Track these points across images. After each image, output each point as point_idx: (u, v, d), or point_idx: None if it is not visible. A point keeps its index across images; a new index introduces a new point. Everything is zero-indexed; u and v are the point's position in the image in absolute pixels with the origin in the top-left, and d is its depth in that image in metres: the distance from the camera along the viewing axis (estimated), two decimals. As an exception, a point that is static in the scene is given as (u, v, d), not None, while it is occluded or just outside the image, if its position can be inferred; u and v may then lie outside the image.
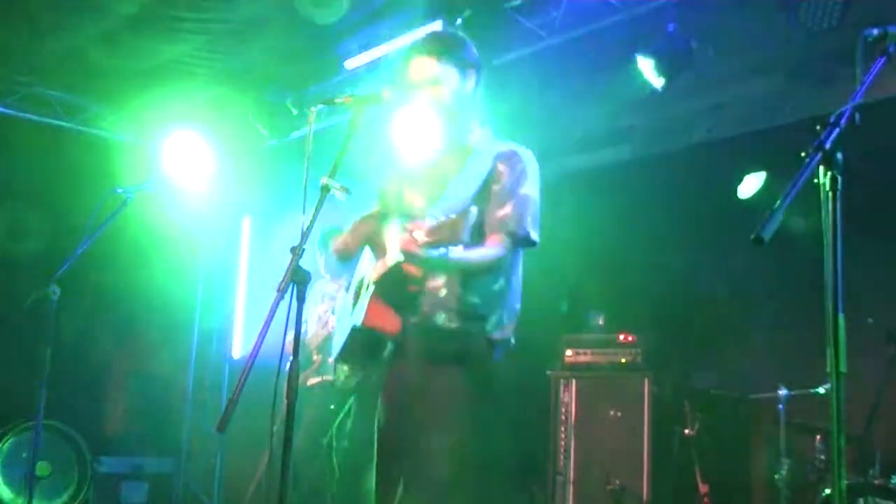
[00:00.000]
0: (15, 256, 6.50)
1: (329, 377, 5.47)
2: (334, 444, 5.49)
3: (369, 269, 2.94)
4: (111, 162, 7.01)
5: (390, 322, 2.75)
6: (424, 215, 2.68)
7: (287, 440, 2.46)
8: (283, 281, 2.42)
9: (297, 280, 2.45)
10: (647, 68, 4.94)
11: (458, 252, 2.49)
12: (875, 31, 2.14)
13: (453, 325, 2.70)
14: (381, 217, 2.92)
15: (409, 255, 2.48)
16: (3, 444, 6.21)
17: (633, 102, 5.22)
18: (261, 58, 6.17)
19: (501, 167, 2.73)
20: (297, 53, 6.12)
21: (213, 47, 6.02)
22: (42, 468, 6.13)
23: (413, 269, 2.68)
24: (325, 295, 5.76)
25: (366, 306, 2.78)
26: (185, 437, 7.27)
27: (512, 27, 5.39)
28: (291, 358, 2.51)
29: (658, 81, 4.93)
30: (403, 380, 2.78)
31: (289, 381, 2.47)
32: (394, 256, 2.54)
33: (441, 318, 2.71)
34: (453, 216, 2.38)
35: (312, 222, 2.52)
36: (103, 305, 6.77)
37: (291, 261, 2.44)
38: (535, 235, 2.71)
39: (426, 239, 2.40)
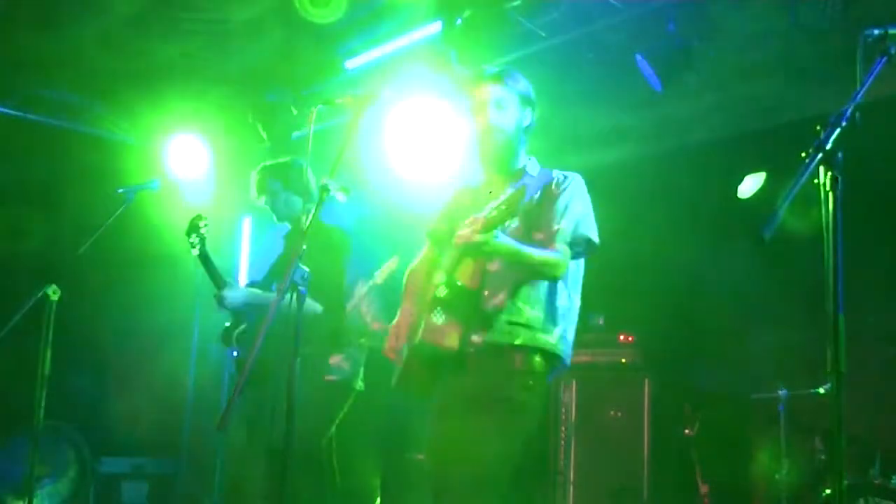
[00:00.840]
0: (15, 256, 6.51)
1: (331, 377, 5.47)
2: (334, 444, 5.49)
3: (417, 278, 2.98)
4: (111, 162, 7.01)
5: (449, 338, 2.73)
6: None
7: (287, 440, 2.46)
8: (283, 281, 2.43)
9: (298, 281, 2.46)
10: (648, 68, 4.94)
11: (517, 244, 2.63)
12: (875, 32, 2.14)
13: (515, 340, 2.75)
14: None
15: (468, 247, 2.54)
16: (4, 445, 6.21)
17: (633, 102, 5.22)
18: (261, 58, 6.17)
19: (554, 188, 2.87)
20: (297, 53, 6.12)
21: (214, 47, 6.02)
22: (42, 468, 6.13)
23: (471, 279, 2.72)
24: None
25: (424, 324, 2.77)
26: (185, 437, 7.27)
27: (512, 27, 5.39)
28: (292, 358, 2.51)
29: (658, 81, 4.93)
30: (452, 395, 2.81)
31: (289, 381, 2.48)
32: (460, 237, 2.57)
33: (502, 334, 2.74)
34: (509, 193, 2.44)
35: (313, 222, 2.52)
36: (104, 305, 6.77)
37: (292, 261, 2.45)
38: (596, 238, 2.90)
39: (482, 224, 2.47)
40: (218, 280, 4.01)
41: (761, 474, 4.88)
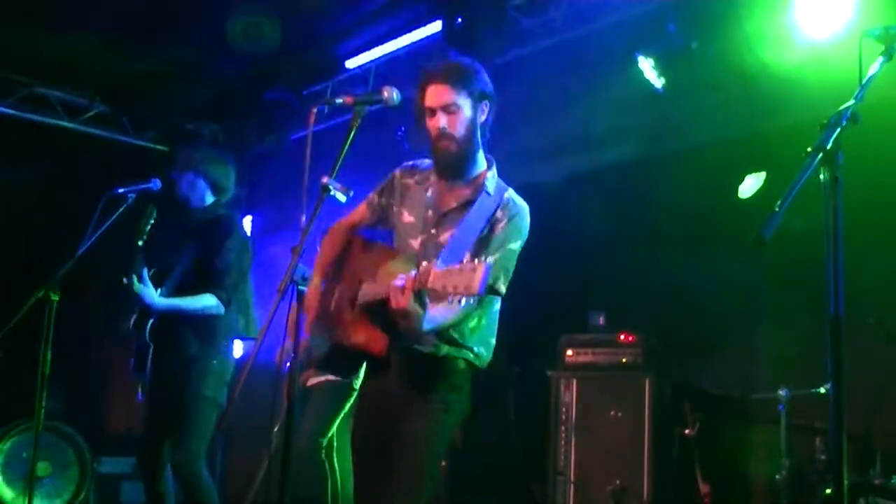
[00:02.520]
0: (15, 256, 6.50)
1: (331, 377, 5.47)
2: (335, 444, 5.49)
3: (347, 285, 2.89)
4: (111, 162, 7.01)
5: (376, 343, 2.70)
6: (419, 240, 2.78)
7: (287, 440, 2.46)
8: (283, 281, 2.42)
9: (298, 280, 2.46)
10: (648, 68, 4.94)
11: (439, 314, 2.58)
12: (875, 32, 2.14)
13: (440, 352, 2.77)
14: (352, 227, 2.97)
15: (398, 312, 2.48)
16: (4, 445, 6.22)
17: (633, 102, 5.22)
18: (262, 58, 6.18)
19: (500, 214, 2.78)
20: (298, 53, 6.13)
21: (214, 47, 6.03)
22: (42, 468, 6.13)
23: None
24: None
25: (348, 323, 2.75)
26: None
27: (512, 27, 5.40)
28: (292, 358, 2.51)
29: (658, 81, 4.93)
30: (382, 395, 2.83)
31: (289, 381, 2.48)
32: (391, 296, 2.50)
33: (426, 346, 2.75)
34: (466, 265, 2.36)
35: (312, 222, 2.52)
36: (104, 306, 6.77)
37: (292, 261, 2.45)
38: (502, 289, 2.73)
39: (427, 285, 2.39)
40: (139, 273, 4.01)
41: (761, 474, 4.88)
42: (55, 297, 4.04)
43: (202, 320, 4.15)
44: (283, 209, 6.84)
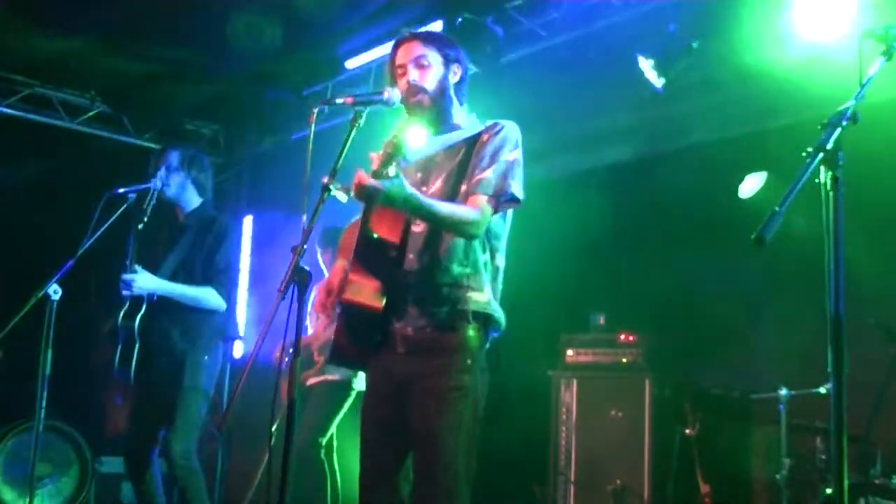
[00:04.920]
0: (15, 256, 6.50)
1: (330, 377, 5.47)
2: (335, 444, 5.49)
3: None
4: (112, 162, 7.01)
5: (371, 298, 2.57)
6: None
7: (288, 439, 2.46)
8: (284, 281, 2.42)
9: (299, 280, 2.45)
10: (648, 68, 4.93)
11: (424, 196, 2.48)
12: (876, 32, 2.14)
13: (444, 306, 2.59)
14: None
15: (361, 189, 2.37)
16: (4, 445, 6.22)
17: (633, 102, 5.22)
18: (262, 58, 6.18)
19: (485, 136, 2.71)
20: (298, 53, 6.13)
21: (213, 47, 6.03)
22: (43, 468, 6.13)
23: (390, 232, 2.55)
24: (326, 295, 5.75)
25: (346, 280, 2.63)
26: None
27: (512, 27, 5.40)
28: (292, 357, 2.51)
29: (658, 81, 4.93)
30: (386, 375, 2.69)
31: (289, 381, 2.47)
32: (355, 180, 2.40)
33: (428, 300, 2.59)
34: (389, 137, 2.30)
35: (313, 222, 2.51)
36: (104, 305, 6.77)
37: (292, 261, 2.44)
38: (519, 193, 2.65)
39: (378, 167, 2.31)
40: (131, 263, 4.03)
41: (761, 474, 4.88)
42: (55, 297, 4.04)
43: (190, 319, 4.16)
44: (283, 209, 6.84)
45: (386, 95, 2.80)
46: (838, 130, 1.96)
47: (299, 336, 2.57)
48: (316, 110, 2.71)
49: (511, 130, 2.73)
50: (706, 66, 4.88)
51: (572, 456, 5.14)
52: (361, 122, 2.66)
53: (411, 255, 2.63)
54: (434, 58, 2.77)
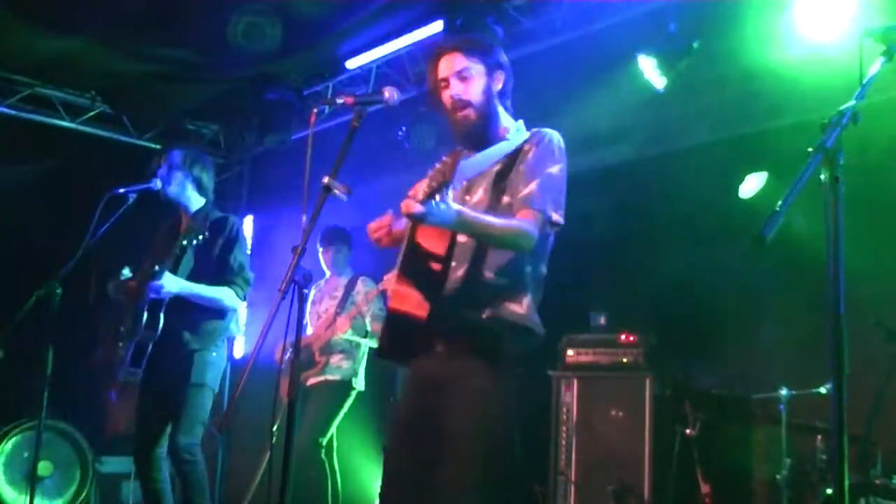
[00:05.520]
0: (15, 256, 6.50)
1: (331, 377, 5.47)
2: (335, 444, 5.49)
3: None
4: (112, 162, 7.01)
5: (413, 304, 2.58)
6: None
7: (288, 439, 2.46)
8: (284, 281, 2.42)
9: (299, 280, 2.45)
10: (649, 68, 4.94)
11: (475, 213, 2.47)
12: (876, 32, 2.14)
13: (482, 314, 2.58)
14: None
15: (410, 216, 2.34)
16: (5, 444, 6.22)
17: (633, 102, 5.22)
18: (262, 58, 6.18)
19: (527, 147, 2.68)
20: (298, 53, 6.13)
21: (214, 47, 6.02)
22: (43, 468, 6.14)
23: (434, 244, 2.58)
24: (326, 293, 5.75)
25: (392, 288, 2.66)
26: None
27: (512, 27, 5.40)
28: (292, 357, 2.51)
29: (659, 81, 4.93)
30: (424, 374, 2.69)
31: (290, 381, 2.48)
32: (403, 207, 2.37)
33: (467, 307, 2.58)
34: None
35: (313, 222, 2.52)
36: (105, 305, 6.77)
37: (293, 261, 2.44)
38: (556, 217, 2.63)
39: (427, 192, 2.26)
40: (161, 267, 4.04)
41: (762, 474, 4.88)
42: (56, 297, 4.04)
43: (201, 319, 4.18)
44: (283, 209, 6.84)
45: (386, 95, 2.80)
46: (838, 130, 1.96)
47: (299, 336, 2.58)
48: (316, 110, 2.72)
49: (553, 141, 2.70)
50: (706, 66, 4.88)
51: (572, 456, 5.14)
52: (362, 122, 2.66)
53: (454, 264, 2.62)
54: (477, 69, 2.74)
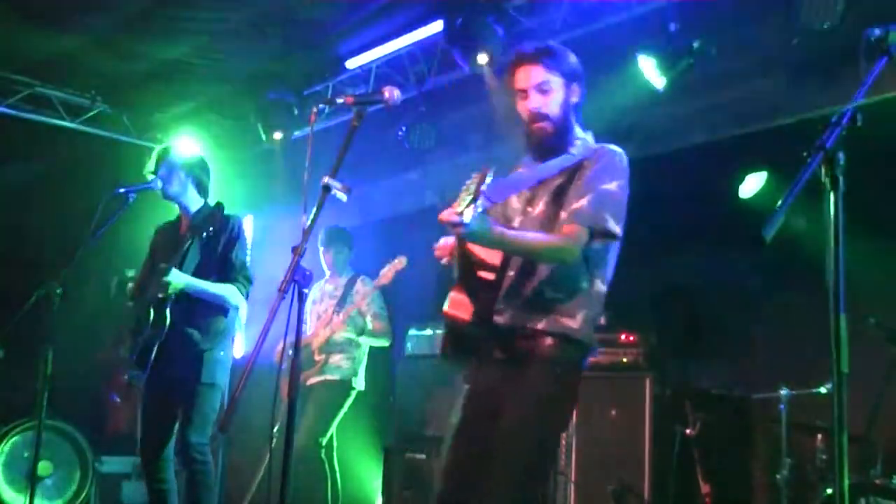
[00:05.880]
0: (16, 256, 6.51)
1: (330, 377, 5.47)
2: (335, 444, 5.50)
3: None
4: (112, 162, 7.01)
5: (466, 310, 2.62)
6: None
7: (288, 439, 2.46)
8: (284, 281, 2.42)
9: (299, 280, 2.46)
10: (649, 68, 4.93)
11: (510, 231, 2.51)
12: (877, 32, 2.14)
13: (537, 324, 2.62)
14: None
15: (449, 225, 2.33)
16: (5, 444, 6.22)
17: (633, 102, 5.22)
18: (262, 58, 6.17)
19: (587, 162, 2.70)
20: (298, 53, 6.12)
21: (214, 47, 6.02)
22: (43, 468, 6.13)
23: (487, 253, 2.63)
24: (326, 293, 5.75)
25: (450, 294, 2.69)
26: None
27: (512, 27, 5.40)
28: (292, 357, 2.51)
29: (659, 81, 4.93)
30: (482, 378, 2.72)
31: (290, 380, 2.48)
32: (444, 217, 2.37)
33: (521, 317, 2.63)
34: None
35: (314, 222, 2.52)
36: (105, 305, 6.77)
37: (293, 261, 2.45)
38: (614, 228, 2.63)
39: (467, 208, 2.26)
40: (167, 265, 4.05)
41: (762, 474, 4.88)
42: (56, 297, 4.04)
43: (209, 318, 4.19)
44: (283, 209, 6.84)
45: (386, 95, 2.81)
46: (838, 130, 1.96)
47: (299, 336, 2.58)
48: (316, 110, 2.72)
49: (613, 159, 2.72)
50: (706, 66, 4.88)
51: (572, 456, 5.14)
52: (361, 122, 2.66)
53: (511, 273, 2.67)
54: (556, 82, 2.74)
